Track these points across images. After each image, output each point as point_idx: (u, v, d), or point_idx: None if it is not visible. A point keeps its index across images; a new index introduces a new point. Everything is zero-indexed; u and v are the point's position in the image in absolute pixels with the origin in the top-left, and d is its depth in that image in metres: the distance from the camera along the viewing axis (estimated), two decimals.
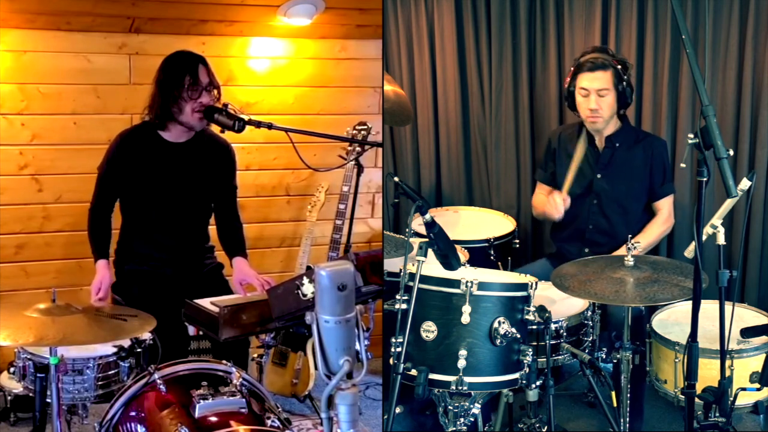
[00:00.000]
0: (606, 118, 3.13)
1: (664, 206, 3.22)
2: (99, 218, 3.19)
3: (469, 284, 2.36)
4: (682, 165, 2.35)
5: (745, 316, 2.88)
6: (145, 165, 3.13)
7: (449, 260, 2.42)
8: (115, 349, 2.66)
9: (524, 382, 2.45)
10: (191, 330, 2.50)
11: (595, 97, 3.08)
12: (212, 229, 3.37)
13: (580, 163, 3.18)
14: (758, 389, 2.61)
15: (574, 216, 3.25)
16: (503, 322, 2.38)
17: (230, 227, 3.32)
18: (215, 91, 3.07)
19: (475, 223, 3.55)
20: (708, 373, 2.48)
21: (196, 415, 2.17)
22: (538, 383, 2.45)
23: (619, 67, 3.06)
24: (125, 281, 3.19)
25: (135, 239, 3.21)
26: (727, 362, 2.47)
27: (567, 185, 3.16)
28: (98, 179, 3.19)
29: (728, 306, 2.26)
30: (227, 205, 3.33)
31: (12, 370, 2.83)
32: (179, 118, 3.07)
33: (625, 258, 2.64)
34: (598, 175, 3.20)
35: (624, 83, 3.07)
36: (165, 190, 3.16)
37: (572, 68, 3.14)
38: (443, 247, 2.39)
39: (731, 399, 2.44)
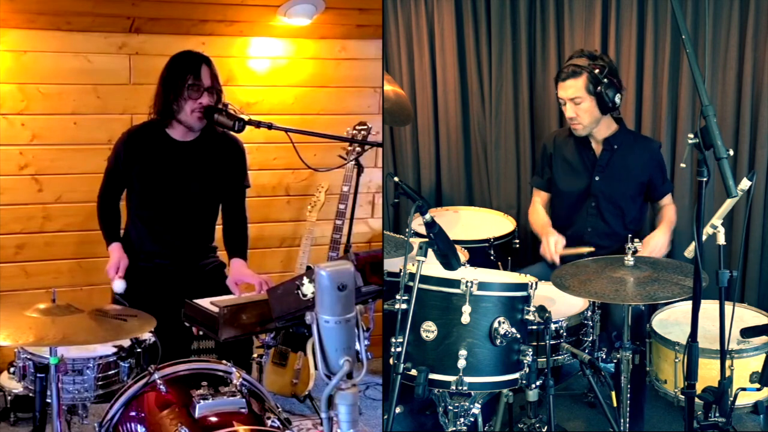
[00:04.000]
0: (586, 124, 3.12)
1: (668, 201, 3.24)
2: (107, 205, 3.23)
3: (469, 284, 2.36)
4: (682, 165, 2.35)
5: (745, 316, 2.88)
6: (152, 163, 3.13)
7: (449, 260, 2.42)
8: (115, 349, 2.65)
9: (524, 382, 2.45)
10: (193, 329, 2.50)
11: (570, 105, 3.08)
12: (217, 229, 3.37)
13: (578, 166, 3.18)
14: (758, 389, 2.61)
15: (572, 219, 3.25)
16: (503, 322, 2.38)
17: (237, 227, 3.32)
18: (216, 95, 3.07)
19: (475, 223, 3.55)
20: (708, 373, 2.48)
21: (196, 415, 2.17)
22: (538, 383, 2.45)
23: (597, 71, 3.01)
24: (128, 279, 3.19)
25: (139, 237, 3.21)
26: (727, 362, 2.47)
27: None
28: (106, 171, 3.23)
29: (728, 306, 2.26)
30: (236, 205, 3.33)
31: (12, 370, 2.83)
32: (178, 116, 3.08)
33: (625, 258, 2.64)
34: (596, 178, 3.20)
35: (601, 86, 3.00)
36: (171, 189, 3.16)
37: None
38: (443, 247, 2.39)
39: (731, 399, 2.43)
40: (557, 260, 3.10)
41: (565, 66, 3.09)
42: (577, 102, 3.06)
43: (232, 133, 3.04)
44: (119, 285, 2.99)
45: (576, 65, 3.04)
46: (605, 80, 3.01)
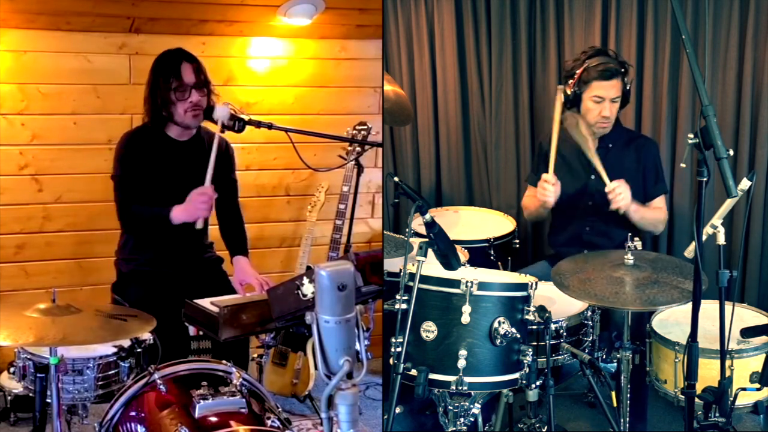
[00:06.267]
0: (612, 122, 3.15)
1: (659, 205, 3.23)
2: (133, 211, 3.13)
3: (469, 284, 2.36)
4: (682, 165, 2.35)
5: (745, 316, 2.87)
6: (153, 163, 3.13)
7: (449, 260, 2.42)
8: (115, 349, 2.65)
9: (524, 382, 2.45)
10: (191, 330, 2.50)
11: (608, 104, 3.08)
12: (212, 228, 3.37)
13: (575, 165, 3.18)
14: (758, 389, 2.60)
15: (570, 219, 3.25)
16: (503, 322, 2.38)
17: (232, 223, 3.32)
18: (205, 89, 3.06)
19: (475, 223, 3.55)
20: (708, 373, 2.48)
21: (196, 415, 2.17)
22: (538, 383, 2.45)
23: (623, 70, 3.08)
24: (126, 280, 3.19)
25: (137, 237, 3.21)
26: (727, 362, 2.47)
27: (552, 160, 3.10)
28: (117, 184, 3.15)
29: (728, 306, 2.26)
30: (228, 201, 3.34)
31: (12, 370, 2.83)
32: (174, 119, 3.09)
33: (625, 257, 2.64)
34: (592, 177, 3.20)
35: (627, 87, 3.09)
36: (171, 188, 3.16)
37: (578, 71, 3.08)
38: (443, 247, 2.39)
39: (731, 399, 2.43)
40: (552, 196, 3.08)
41: (599, 65, 3.04)
42: (615, 101, 3.08)
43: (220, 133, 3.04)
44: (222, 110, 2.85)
45: (615, 63, 3.06)
46: (626, 80, 3.08)
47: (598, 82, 3.05)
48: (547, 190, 3.09)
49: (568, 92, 3.11)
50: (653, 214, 3.19)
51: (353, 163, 3.81)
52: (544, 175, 3.12)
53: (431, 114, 4.06)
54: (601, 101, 3.07)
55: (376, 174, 4.31)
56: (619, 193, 2.99)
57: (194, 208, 3.00)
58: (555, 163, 3.27)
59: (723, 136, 2.02)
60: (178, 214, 3.03)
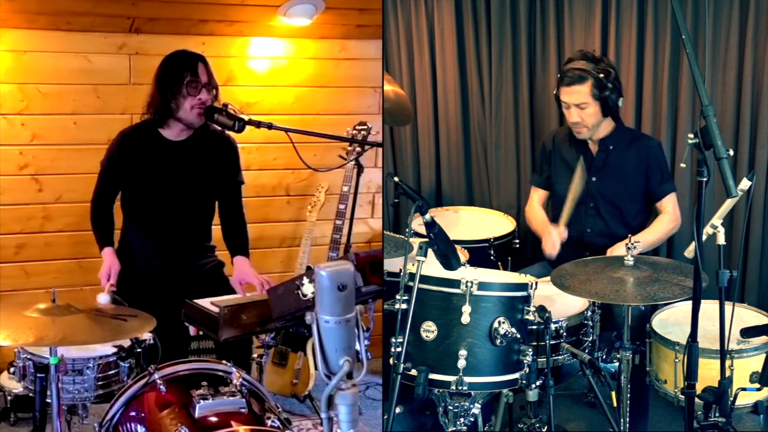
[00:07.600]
0: (590, 127, 3.11)
1: (668, 205, 3.19)
2: (101, 209, 3.24)
3: (469, 284, 2.36)
4: (682, 165, 2.35)
5: (745, 316, 2.87)
6: (147, 163, 3.13)
7: (449, 260, 2.42)
8: (115, 349, 2.65)
9: (524, 382, 2.45)
10: (192, 330, 2.50)
11: (575, 110, 3.06)
12: (215, 230, 3.37)
13: (575, 166, 3.18)
14: (758, 389, 2.60)
15: (571, 220, 3.25)
16: (503, 322, 2.38)
17: (235, 224, 3.32)
18: (213, 91, 3.08)
19: (475, 223, 3.55)
20: (708, 373, 2.48)
21: (196, 415, 2.17)
22: (538, 383, 2.45)
23: (602, 75, 3.00)
24: (126, 280, 3.19)
25: (136, 238, 3.22)
26: (727, 362, 2.47)
27: (565, 218, 3.13)
28: (100, 174, 3.23)
29: (728, 306, 2.25)
30: (232, 202, 3.34)
31: (12, 370, 2.83)
32: (178, 114, 3.08)
33: (625, 258, 2.64)
34: (593, 179, 3.19)
35: (607, 91, 3.01)
36: (166, 189, 3.16)
37: (558, 75, 3.13)
38: (443, 247, 2.39)
39: (731, 399, 2.43)
40: (557, 250, 3.10)
41: (568, 69, 3.05)
42: (582, 107, 3.05)
43: (224, 131, 3.05)
44: (104, 298, 2.94)
45: (582, 69, 3.01)
46: (610, 85, 3.01)
47: (563, 87, 3.06)
48: (555, 243, 3.11)
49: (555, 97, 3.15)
50: (665, 230, 3.16)
51: (353, 163, 3.81)
52: (554, 229, 3.13)
53: (431, 114, 4.07)
54: (568, 107, 3.07)
55: (376, 174, 4.31)
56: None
57: (102, 272, 3.11)
58: (556, 163, 3.29)
59: (723, 136, 2.02)
60: (105, 256, 3.16)
